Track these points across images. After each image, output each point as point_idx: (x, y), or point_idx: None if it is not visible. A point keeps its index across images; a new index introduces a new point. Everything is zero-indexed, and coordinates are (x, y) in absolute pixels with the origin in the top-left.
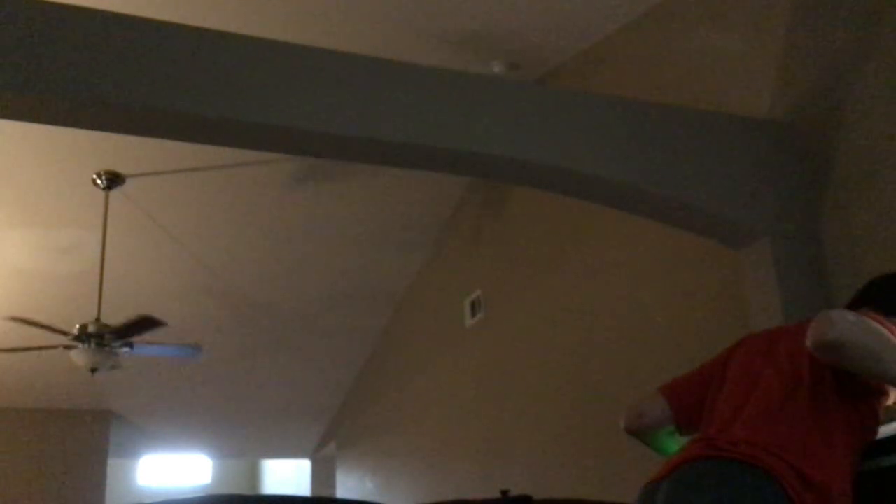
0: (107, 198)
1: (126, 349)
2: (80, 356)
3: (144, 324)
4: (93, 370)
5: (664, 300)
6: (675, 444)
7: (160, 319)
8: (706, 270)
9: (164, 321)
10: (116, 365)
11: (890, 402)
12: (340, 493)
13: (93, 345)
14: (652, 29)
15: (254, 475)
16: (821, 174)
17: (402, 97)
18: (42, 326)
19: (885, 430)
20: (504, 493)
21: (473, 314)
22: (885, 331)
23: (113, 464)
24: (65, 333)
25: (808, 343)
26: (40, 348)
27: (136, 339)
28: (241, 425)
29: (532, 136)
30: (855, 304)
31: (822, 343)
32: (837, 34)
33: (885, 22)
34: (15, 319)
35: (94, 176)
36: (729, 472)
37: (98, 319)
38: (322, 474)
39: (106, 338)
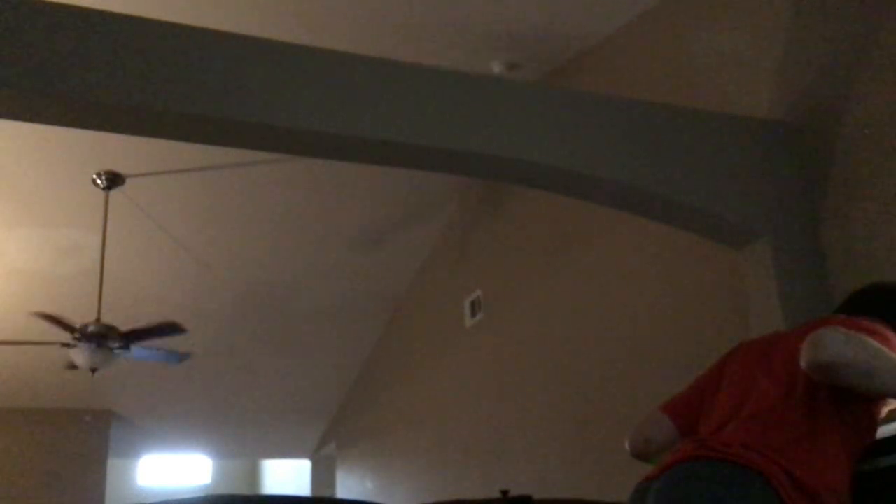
0: (107, 198)
1: (124, 351)
2: (80, 356)
3: (166, 329)
4: (93, 370)
5: (664, 300)
6: None
7: (181, 326)
8: (706, 270)
9: (185, 329)
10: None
11: (888, 407)
12: (340, 493)
13: (93, 345)
14: (652, 29)
15: (254, 475)
16: (821, 174)
17: (402, 97)
18: (62, 323)
19: (885, 430)
20: (504, 493)
21: (473, 314)
22: (879, 345)
23: (113, 464)
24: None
25: (802, 364)
26: (40, 343)
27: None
28: (241, 425)
29: (532, 136)
30: (855, 310)
31: (816, 365)
32: (837, 34)
33: (885, 22)
34: (39, 315)
35: (94, 176)
36: (721, 473)
37: (98, 319)
38: (322, 474)
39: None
